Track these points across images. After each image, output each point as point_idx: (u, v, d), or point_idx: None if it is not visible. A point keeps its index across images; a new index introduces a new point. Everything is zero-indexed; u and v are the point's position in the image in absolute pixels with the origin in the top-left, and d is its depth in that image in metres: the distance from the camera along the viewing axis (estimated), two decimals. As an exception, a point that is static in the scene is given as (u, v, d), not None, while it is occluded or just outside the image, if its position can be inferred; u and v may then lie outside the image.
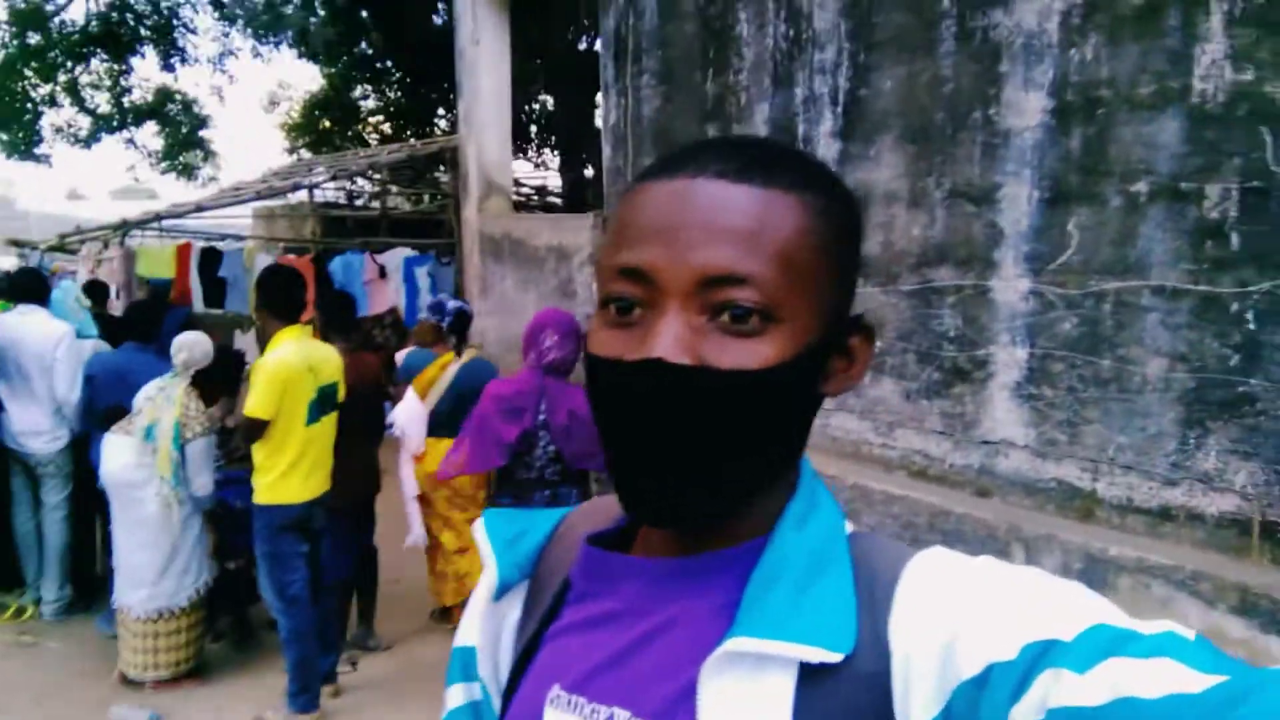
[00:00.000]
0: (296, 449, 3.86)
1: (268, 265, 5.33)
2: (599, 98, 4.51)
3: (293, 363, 3.81)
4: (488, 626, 0.82)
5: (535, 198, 11.81)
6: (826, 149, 3.30)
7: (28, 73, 13.24)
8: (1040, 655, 0.53)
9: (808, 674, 0.60)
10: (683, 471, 0.64)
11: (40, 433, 4.88)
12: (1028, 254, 2.67)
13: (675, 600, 0.68)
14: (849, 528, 0.70)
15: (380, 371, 4.79)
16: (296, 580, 3.95)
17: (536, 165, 13.49)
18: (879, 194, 3.13)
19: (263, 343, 4.02)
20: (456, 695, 0.84)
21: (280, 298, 3.97)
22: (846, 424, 3.37)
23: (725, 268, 0.61)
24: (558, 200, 11.75)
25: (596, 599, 0.73)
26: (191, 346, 4.32)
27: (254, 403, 3.74)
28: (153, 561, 4.22)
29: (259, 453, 3.85)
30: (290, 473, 3.87)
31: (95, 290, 7.18)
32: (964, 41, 2.81)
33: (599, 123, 5.43)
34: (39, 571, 5.05)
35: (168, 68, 13.30)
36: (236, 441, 4.73)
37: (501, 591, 0.79)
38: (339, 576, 4.54)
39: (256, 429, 3.78)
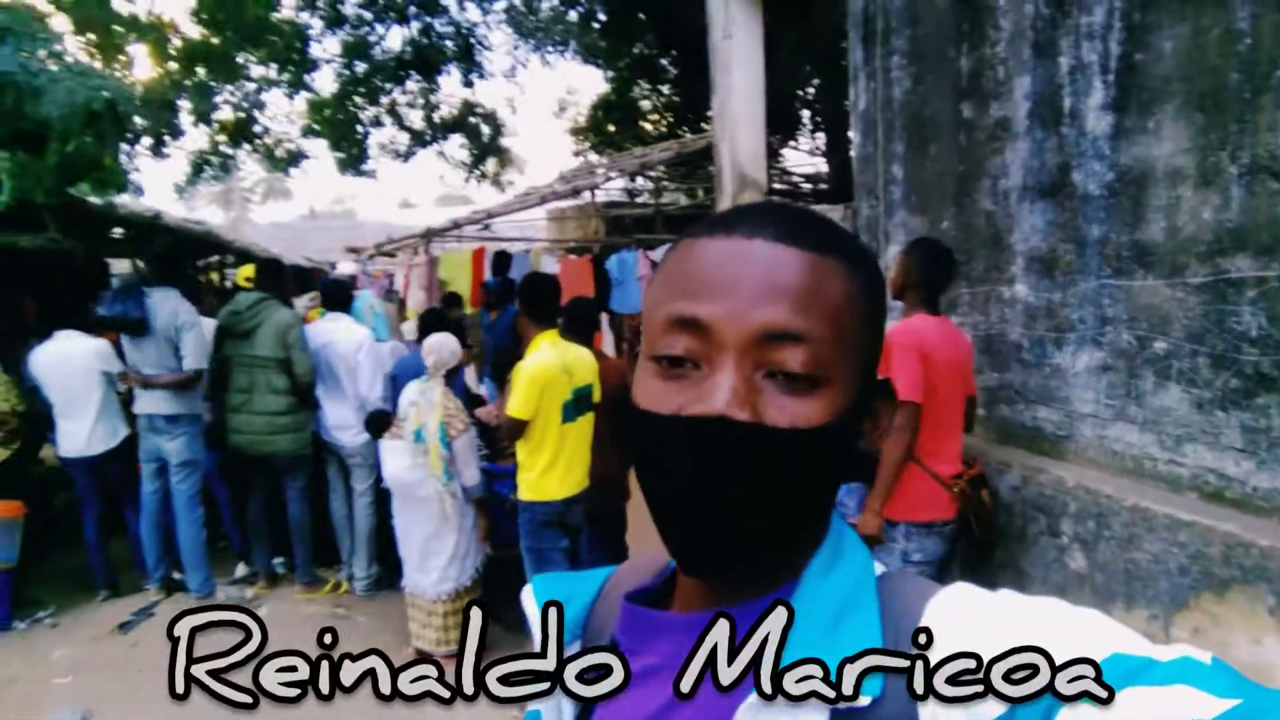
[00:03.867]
0: (553, 448, 4.03)
1: (528, 273, 5.59)
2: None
3: (550, 365, 3.97)
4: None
5: (806, 186, 11.57)
6: (1097, 123, 2.91)
7: (356, 98, 14.81)
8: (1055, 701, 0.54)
9: (839, 717, 0.61)
10: (736, 524, 0.65)
11: (348, 427, 5.44)
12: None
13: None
14: (878, 569, 0.72)
15: (619, 374, 4.80)
16: None
17: (811, 152, 13.22)
18: (1160, 172, 2.71)
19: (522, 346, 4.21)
20: None
21: (537, 303, 4.15)
22: (1127, 436, 2.96)
23: (784, 325, 0.63)
24: (826, 188, 11.44)
25: (638, 655, 0.73)
26: (440, 349, 4.62)
27: (514, 403, 3.94)
28: (440, 549, 4.57)
29: (521, 451, 4.07)
30: (549, 471, 4.05)
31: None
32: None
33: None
34: (351, 551, 5.63)
35: (468, 83, 14.36)
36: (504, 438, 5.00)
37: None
38: None
39: (517, 428, 3.99)
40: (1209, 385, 2.63)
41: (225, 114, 13.80)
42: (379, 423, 4.96)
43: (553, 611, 0.76)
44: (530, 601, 0.82)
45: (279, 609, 5.46)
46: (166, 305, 5.18)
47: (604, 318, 8.68)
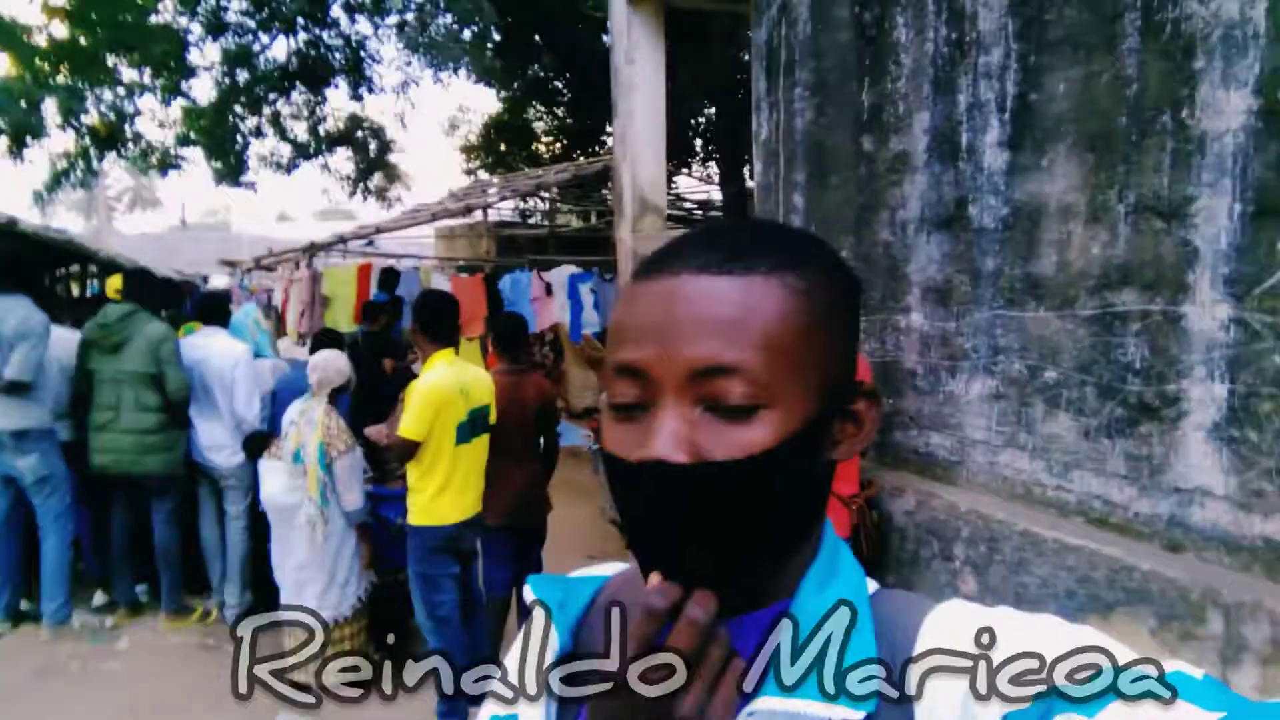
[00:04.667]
0: (446, 470, 3.91)
1: (424, 290, 5.48)
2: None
3: (445, 385, 3.86)
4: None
5: (699, 213, 11.73)
6: (993, 159, 3.02)
7: (237, 108, 14.28)
8: (1052, 702, 0.56)
9: None
10: (700, 561, 0.65)
11: (222, 447, 5.19)
12: (1228, 276, 2.32)
13: None
14: (871, 586, 0.73)
15: (549, 391, 4.80)
16: (446, 601, 4.00)
17: (702, 180, 13.43)
18: (1052, 208, 2.82)
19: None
20: None
21: (434, 321, 4.04)
22: (1017, 462, 3.06)
23: (712, 359, 0.63)
24: (720, 214, 11.63)
25: None
26: (325, 366, 4.46)
27: (407, 424, 3.81)
28: (314, 577, 4.37)
29: (412, 474, 3.93)
30: (441, 494, 3.93)
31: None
32: (1151, 36, 2.48)
33: (759, 137, 5.27)
34: (222, 577, 5.34)
35: (356, 97, 14.03)
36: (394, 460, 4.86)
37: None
38: (497, 595, 4.58)
39: (409, 450, 3.85)
40: (1095, 414, 2.74)
41: (93, 117, 13.12)
42: (257, 444, 4.74)
43: (539, 612, 0.78)
44: (533, 596, 0.81)
45: (142, 639, 5.14)
46: (14, 313, 4.85)
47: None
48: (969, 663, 0.61)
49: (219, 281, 10.50)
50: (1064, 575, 2.74)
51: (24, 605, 5.20)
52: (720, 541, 0.65)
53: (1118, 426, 2.67)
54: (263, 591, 4.97)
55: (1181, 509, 2.51)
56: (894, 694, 0.63)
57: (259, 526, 4.88)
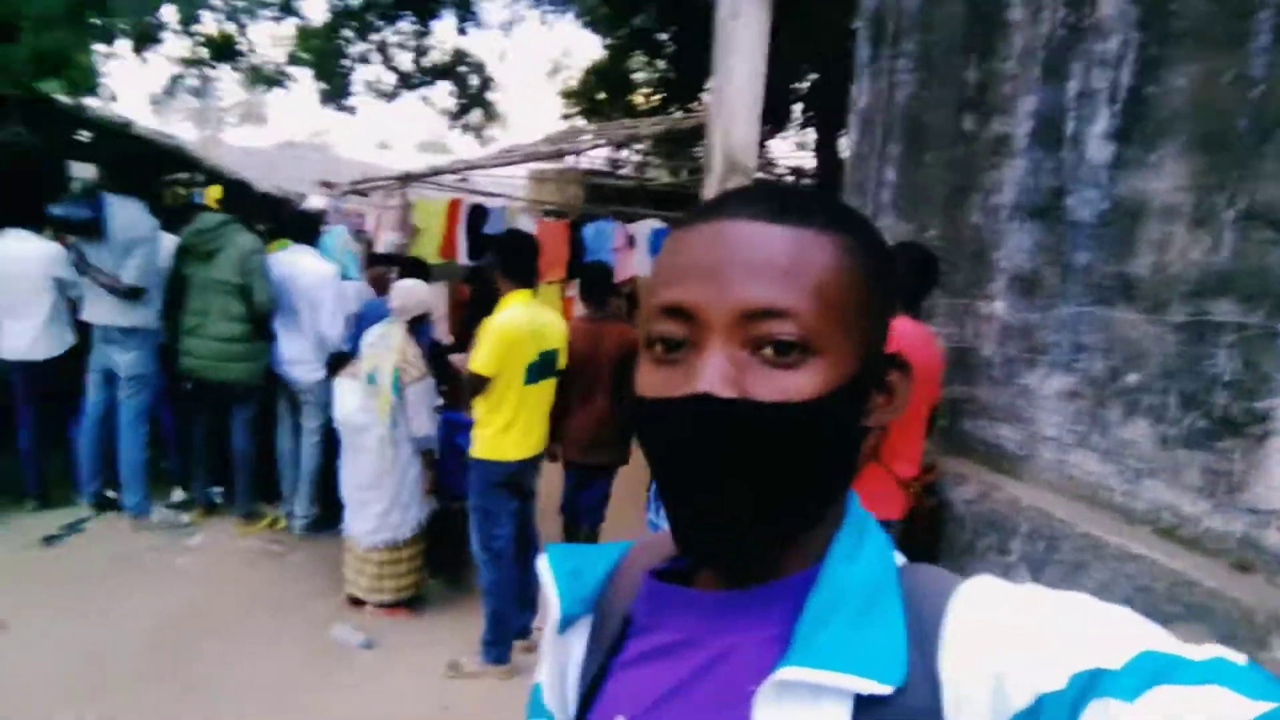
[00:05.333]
0: (513, 408, 3.97)
1: (508, 228, 5.52)
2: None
3: (519, 324, 3.91)
4: (555, 659, 0.85)
5: (790, 178, 11.55)
6: (1098, 152, 2.90)
7: (346, 32, 14.48)
8: (1089, 684, 0.53)
9: (862, 708, 0.61)
10: (735, 507, 0.65)
11: (303, 362, 5.33)
12: (1335, 295, 2.21)
13: (730, 632, 0.70)
14: (899, 560, 0.72)
15: (630, 339, 4.86)
16: (502, 535, 4.09)
17: (798, 145, 13.20)
18: (1154, 207, 2.71)
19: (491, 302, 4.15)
20: None
21: (515, 261, 4.08)
22: (1086, 464, 2.98)
23: (765, 302, 0.63)
24: (811, 181, 11.44)
25: (657, 631, 0.75)
26: (406, 294, 4.54)
27: (479, 359, 3.88)
28: (377, 498, 4.50)
29: (479, 408, 4.00)
30: (506, 431, 4.00)
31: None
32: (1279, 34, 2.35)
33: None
34: (293, 488, 5.54)
35: (461, 31, 14.09)
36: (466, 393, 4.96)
37: (565, 624, 0.82)
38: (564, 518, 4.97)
39: (479, 384, 3.92)
40: (1176, 423, 2.65)
41: (210, 27, 13.44)
42: (338, 362, 4.87)
43: (545, 580, 0.82)
44: (546, 569, 0.83)
45: (212, 539, 5.37)
46: (125, 214, 5.02)
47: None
48: (999, 639, 0.60)
49: (316, 201, 10.67)
50: (1123, 582, 2.68)
51: (109, 494, 5.45)
52: (757, 482, 0.64)
53: (1198, 439, 2.58)
54: (331, 506, 5.12)
55: (1256, 529, 2.42)
56: (921, 668, 0.62)
57: (332, 443, 5.02)
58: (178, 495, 5.71)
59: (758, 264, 0.64)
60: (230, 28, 13.29)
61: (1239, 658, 0.54)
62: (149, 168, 7.16)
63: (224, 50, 13.54)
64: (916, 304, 3.22)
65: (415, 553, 4.74)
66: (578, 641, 0.83)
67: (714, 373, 0.63)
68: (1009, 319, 3.32)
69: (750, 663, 0.67)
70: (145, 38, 11.64)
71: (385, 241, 8.92)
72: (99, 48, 10.97)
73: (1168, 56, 2.67)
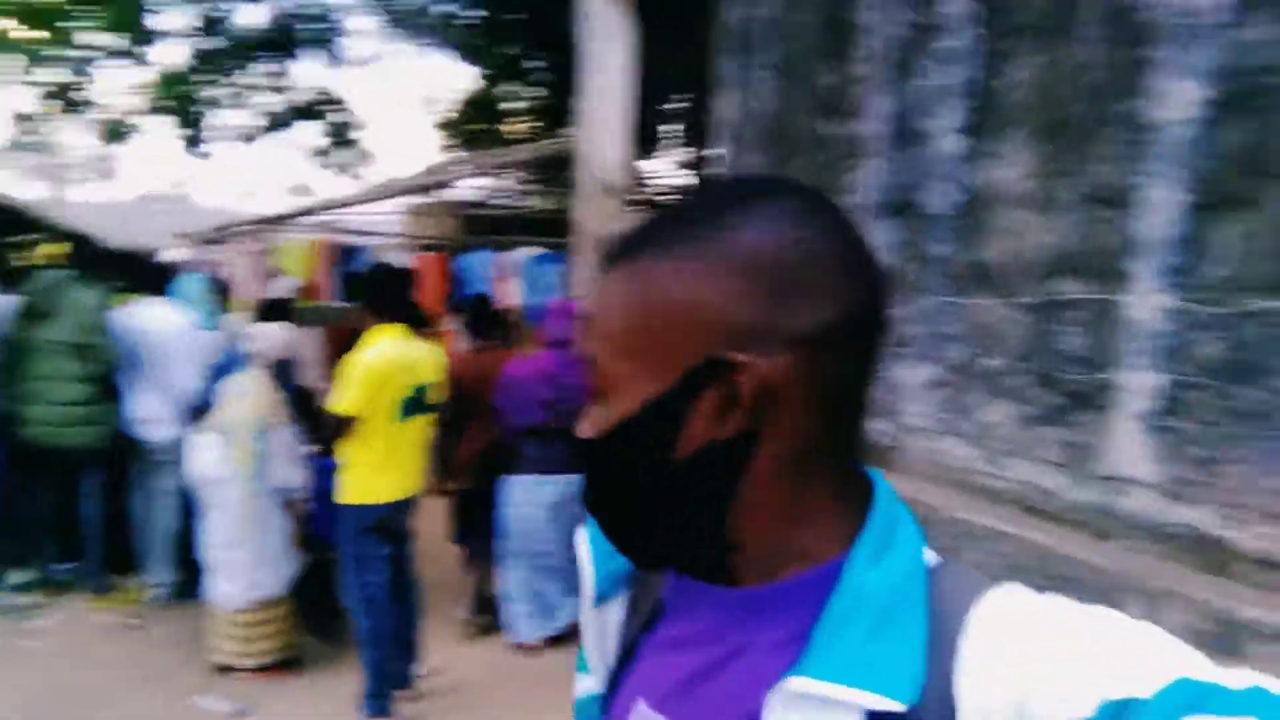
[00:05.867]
0: (384, 447, 3.83)
1: (375, 263, 5.42)
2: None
3: (388, 359, 3.78)
4: (592, 629, 0.89)
5: (665, 198, 11.68)
6: (952, 146, 3.01)
7: (197, 76, 14.02)
8: (1119, 714, 0.51)
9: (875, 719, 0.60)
10: (607, 527, 0.74)
11: (156, 421, 5.05)
12: (1169, 266, 2.33)
13: (746, 629, 0.71)
14: (932, 559, 0.70)
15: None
16: (375, 583, 3.92)
17: (682, 165, 13.37)
18: (1008, 196, 2.82)
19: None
20: (584, 684, 0.93)
21: (381, 295, 3.96)
22: (955, 449, 3.06)
23: (589, 353, 0.71)
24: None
25: (681, 620, 0.77)
26: (264, 338, 4.38)
27: (343, 399, 3.73)
28: (243, 556, 4.27)
29: (346, 450, 3.84)
30: (378, 472, 3.84)
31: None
32: (1109, 24, 2.49)
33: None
34: (151, 556, 5.22)
35: (326, 68, 13.84)
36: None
37: (599, 601, 0.86)
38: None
39: (342, 425, 3.76)
40: (1034, 402, 2.74)
41: (55, 77, 12.86)
42: (198, 416, 4.65)
43: (582, 554, 0.86)
44: (584, 545, 0.86)
45: (63, 619, 5.01)
46: None
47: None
48: (1021, 662, 0.57)
49: (173, 254, 10.27)
50: (996, 561, 2.74)
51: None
52: (611, 507, 0.72)
53: (1054, 415, 2.68)
54: (191, 570, 4.86)
55: (1110, 497, 2.52)
56: (938, 686, 0.60)
57: (190, 504, 4.78)
58: (19, 576, 5.31)
59: (596, 313, 0.71)
60: (73, 78, 12.73)
61: (1277, 687, 0.51)
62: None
63: (69, 102, 12.96)
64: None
65: (286, 611, 4.52)
66: (615, 613, 0.86)
67: (587, 418, 0.72)
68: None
69: (763, 664, 0.67)
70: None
71: (249, 290, 8.63)
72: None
73: (1010, 49, 2.79)
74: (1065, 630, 0.58)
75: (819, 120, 3.61)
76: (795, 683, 0.61)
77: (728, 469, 0.67)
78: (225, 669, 4.39)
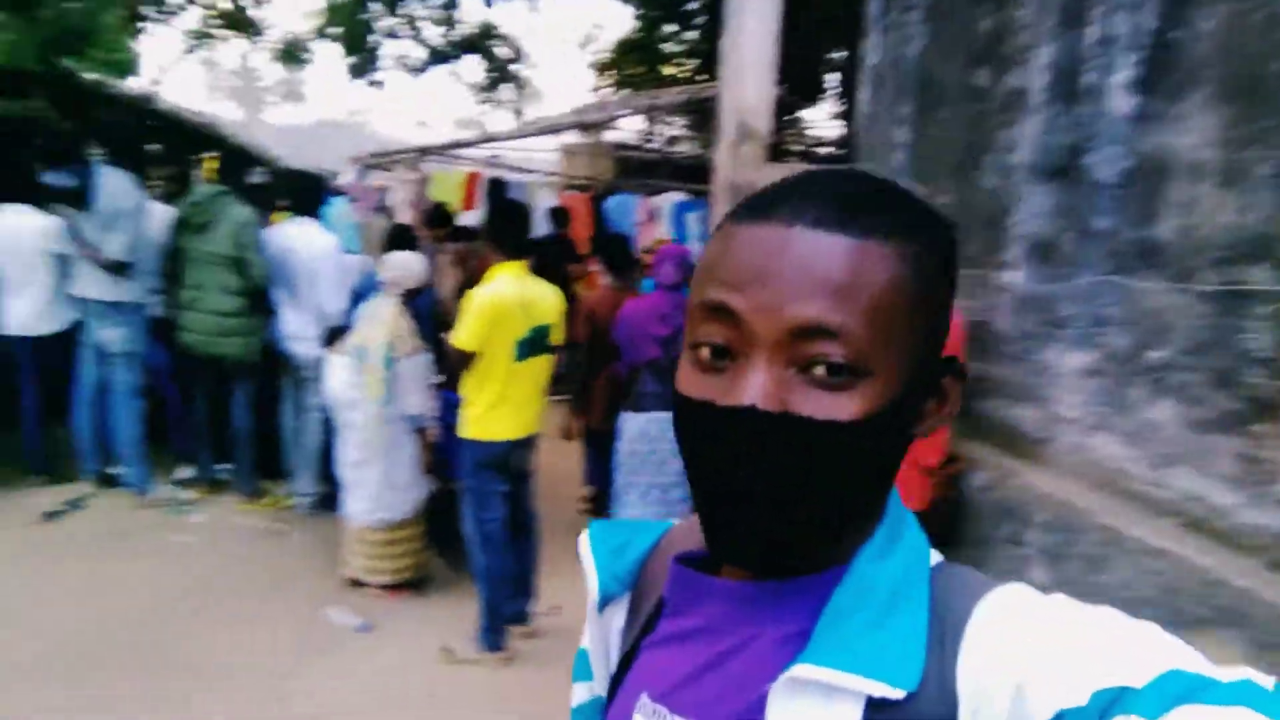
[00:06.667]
0: (501, 385, 3.79)
1: (498, 200, 5.36)
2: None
3: (505, 298, 3.71)
4: (596, 633, 0.88)
5: (820, 148, 11.23)
6: (1119, 104, 2.63)
7: (374, 5, 14.36)
8: (1111, 702, 0.52)
9: (874, 710, 0.61)
10: (769, 518, 0.65)
11: (304, 338, 5.20)
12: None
13: (751, 623, 0.70)
14: (935, 558, 0.70)
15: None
16: (492, 519, 3.93)
17: (836, 116, 12.86)
18: (1180, 165, 2.44)
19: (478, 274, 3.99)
20: (581, 692, 0.93)
21: (505, 232, 3.89)
22: (1108, 448, 2.72)
23: (817, 320, 0.61)
24: (831, 149, 11.12)
25: (684, 615, 0.75)
26: (397, 266, 4.38)
27: (461, 334, 3.69)
28: (370, 476, 4.36)
29: (466, 386, 3.82)
30: (493, 409, 3.82)
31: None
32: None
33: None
34: (297, 467, 5.43)
35: (488, 3, 13.89)
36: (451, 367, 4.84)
37: (604, 603, 0.84)
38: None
39: (463, 360, 3.74)
40: (1205, 404, 2.38)
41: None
42: (334, 338, 4.74)
43: (585, 557, 0.84)
44: (585, 546, 0.84)
45: (214, 517, 5.29)
46: (112, 185, 4.92)
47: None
48: (1021, 651, 0.58)
49: (347, 178, 10.64)
50: (1146, 580, 2.43)
51: (111, 471, 5.39)
52: (794, 497, 0.63)
53: (1230, 422, 2.32)
54: (332, 484, 5.02)
55: (1290, 525, 2.16)
56: (938, 674, 0.61)
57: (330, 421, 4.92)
58: (184, 472, 5.64)
59: (813, 279, 0.61)
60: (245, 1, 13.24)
61: (1267, 680, 0.52)
62: (136, 137, 7.12)
63: (237, 23, 13.47)
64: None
65: (414, 533, 4.60)
66: (617, 616, 0.85)
67: (758, 389, 0.62)
68: (1025, 290, 3.05)
69: (768, 656, 0.67)
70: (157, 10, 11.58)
71: (405, 216, 8.83)
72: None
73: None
74: (1064, 624, 0.59)
75: (972, 69, 3.24)
76: (798, 670, 0.62)
77: (895, 463, 0.69)
78: (355, 583, 4.53)
